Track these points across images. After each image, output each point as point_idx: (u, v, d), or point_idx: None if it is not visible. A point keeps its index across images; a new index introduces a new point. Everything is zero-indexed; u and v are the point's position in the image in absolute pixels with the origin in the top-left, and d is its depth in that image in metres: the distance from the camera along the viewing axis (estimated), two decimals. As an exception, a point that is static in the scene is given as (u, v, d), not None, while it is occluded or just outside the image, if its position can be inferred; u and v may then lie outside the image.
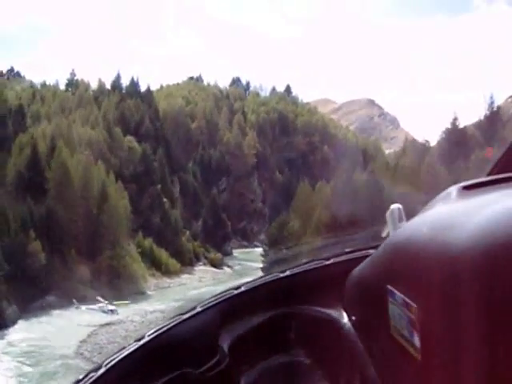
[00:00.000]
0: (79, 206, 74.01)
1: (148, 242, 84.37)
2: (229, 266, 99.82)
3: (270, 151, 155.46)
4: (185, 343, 1.63)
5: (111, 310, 61.22)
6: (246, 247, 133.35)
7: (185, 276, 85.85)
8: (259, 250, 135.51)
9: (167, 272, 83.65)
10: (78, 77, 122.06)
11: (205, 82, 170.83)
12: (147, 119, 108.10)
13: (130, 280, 73.82)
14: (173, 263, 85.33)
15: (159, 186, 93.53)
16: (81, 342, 51.68)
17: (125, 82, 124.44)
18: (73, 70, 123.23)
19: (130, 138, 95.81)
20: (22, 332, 53.35)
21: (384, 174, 66.42)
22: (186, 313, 1.70)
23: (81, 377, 1.47)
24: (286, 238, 65.44)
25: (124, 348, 1.58)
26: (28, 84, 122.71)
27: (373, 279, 1.30)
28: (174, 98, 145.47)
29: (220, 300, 1.74)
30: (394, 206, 1.61)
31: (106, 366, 1.48)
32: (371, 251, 1.58)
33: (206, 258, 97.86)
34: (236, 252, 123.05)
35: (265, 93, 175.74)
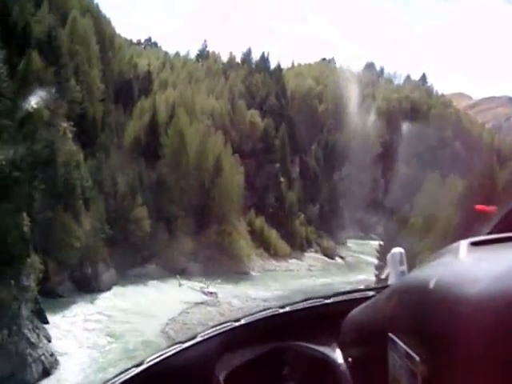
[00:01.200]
0: (191, 177, 69.76)
1: (259, 222, 78.98)
2: (341, 257, 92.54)
3: (397, 141, 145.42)
4: (183, 372, 1.62)
5: (211, 293, 56.18)
6: (361, 238, 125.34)
7: (293, 261, 79.74)
8: (375, 242, 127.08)
9: (275, 255, 77.95)
10: (210, 49, 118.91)
11: (337, 65, 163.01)
12: (273, 95, 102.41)
13: (234, 258, 68.85)
14: (282, 246, 79.48)
15: (278, 165, 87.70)
16: (170, 319, 47.09)
17: (255, 57, 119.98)
18: (205, 41, 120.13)
19: (253, 112, 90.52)
20: (114, 299, 49.70)
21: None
22: (186, 341, 1.67)
23: None
24: (406, 235, 57.14)
25: (123, 372, 1.55)
26: (161, 53, 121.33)
27: (373, 324, 1.27)
28: (303, 78, 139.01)
29: (220, 331, 1.71)
30: (396, 250, 1.69)
31: None
32: (370, 293, 1.68)
33: (318, 244, 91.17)
34: (350, 242, 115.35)
35: (398, 80, 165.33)
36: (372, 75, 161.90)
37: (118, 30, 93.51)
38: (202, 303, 53.71)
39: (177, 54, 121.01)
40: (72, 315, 44.80)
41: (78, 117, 62.67)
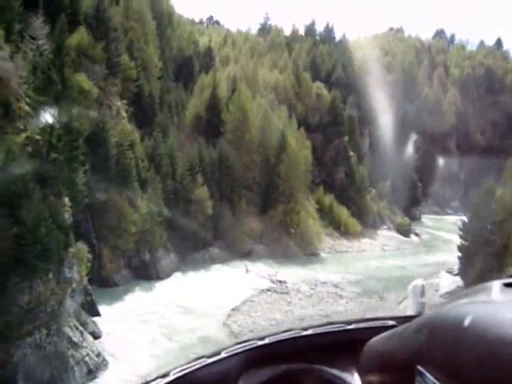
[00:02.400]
0: (255, 153, 64.18)
1: (328, 199, 72.65)
2: (416, 234, 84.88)
3: (472, 110, 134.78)
4: None
5: (280, 281, 50.36)
6: (436, 213, 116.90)
7: (365, 240, 73.06)
8: (451, 218, 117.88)
9: (346, 233, 71.53)
10: (272, 22, 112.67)
11: (405, 34, 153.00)
12: (339, 67, 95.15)
13: (303, 238, 62.97)
14: (354, 224, 72.92)
15: (346, 139, 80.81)
16: (232, 309, 41.78)
17: (319, 29, 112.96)
18: (266, 15, 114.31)
19: (318, 84, 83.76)
20: (173, 288, 44.89)
21: None
22: (212, 356, 1.69)
23: None
24: (492, 210, 49.49)
25: (148, 382, 1.56)
26: (223, 31, 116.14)
27: (399, 354, 1.26)
28: (370, 48, 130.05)
29: (244, 349, 1.73)
30: (418, 282, 1.76)
31: None
32: (390, 322, 1.70)
33: (391, 221, 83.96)
34: (425, 218, 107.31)
35: (471, 47, 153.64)
36: (443, 43, 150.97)
37: (179, 10, 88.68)
38: (268, 290, 48.22)
39: (238, 30, 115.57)
40: (127, 306, 40.25)
41: (134, 95, 58.29)
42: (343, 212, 72.44)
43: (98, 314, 37.51)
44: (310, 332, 1.80)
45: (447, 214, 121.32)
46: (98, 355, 30.52)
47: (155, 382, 1.56)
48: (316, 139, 76.58)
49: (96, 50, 48.43)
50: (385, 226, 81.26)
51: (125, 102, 54.59)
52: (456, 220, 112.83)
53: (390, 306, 43.18)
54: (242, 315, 40.61)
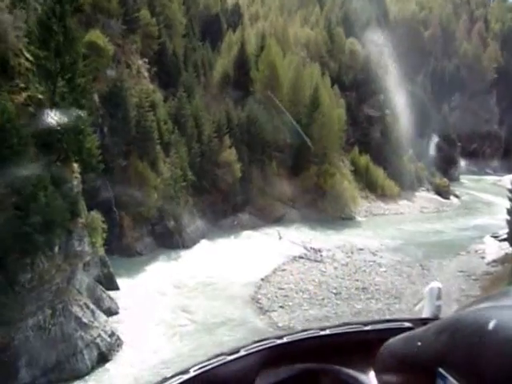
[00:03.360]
0: (285, 113, 59.45)
1: (364, 160, 67.68)
2: (456, 196, 79.45)
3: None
4: None
5: (314, 249, 45.57)
6: (474, 173, 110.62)
7: (403, 203, 68.13)
8: (491, 178, 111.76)
9: (383, 196, 66.70)
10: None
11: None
12: (374, 22, 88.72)
13: (338, 201, 58.49)
14: (390, 186, 67.98)
15: (382, 97, 75.19)
16: (262, 279, 37.66)
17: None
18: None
19: (352, 40, 77.82)
20: (200, 256, 41.07)
21: None
22: (230, 354, 1.69)
23: None
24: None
25: (168, 379, 1.57)
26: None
27: (419, 356, 1.25)
28: (406, 3, 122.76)
29: (262, 347, 1.73)
30: (434, 285, 1.74)
31: None
32: (407, 324, 1.70)
33: (429, 182, 78.63)
34: (463, 178, 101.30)
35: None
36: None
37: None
38: (300, 257, 44.11)
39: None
40: (150, 277, 36.68)
41: (156, 54, 53.98)
42: (380, 173, 67.50)
43: (117, 288, 34.07)
44: (327, 332, 1.78)
45: (486, 173, 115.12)
46: (112, 335, 26.94)
47: (174, 378, 1.55)
48: (350, 97, 71.31)
49: (112, 3, 44.04)
50: (423, 188, 76.09)
51: (146, 60, 50.39)
52: (496, 180, 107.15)
53: (433, 276, 38.73)
54: (273, 287, 36.48)
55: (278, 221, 53.66)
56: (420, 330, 1.33)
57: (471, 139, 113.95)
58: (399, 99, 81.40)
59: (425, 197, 72.81)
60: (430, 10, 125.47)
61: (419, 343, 1.25)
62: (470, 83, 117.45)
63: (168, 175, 43.26)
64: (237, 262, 40.39)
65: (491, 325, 0.91)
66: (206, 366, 1.62)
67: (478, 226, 60.26)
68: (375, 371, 1.58)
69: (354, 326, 1.83)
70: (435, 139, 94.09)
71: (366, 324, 1.83)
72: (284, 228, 51.35)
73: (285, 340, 1.76)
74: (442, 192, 76.58)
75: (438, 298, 1.72)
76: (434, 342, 1.13)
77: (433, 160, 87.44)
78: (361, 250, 47.65)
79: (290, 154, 58.97)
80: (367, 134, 71.52)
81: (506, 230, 45.78)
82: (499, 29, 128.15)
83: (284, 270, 40.99)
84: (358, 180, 64.59)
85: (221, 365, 1.64)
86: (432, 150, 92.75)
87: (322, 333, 1.80)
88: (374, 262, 44.62)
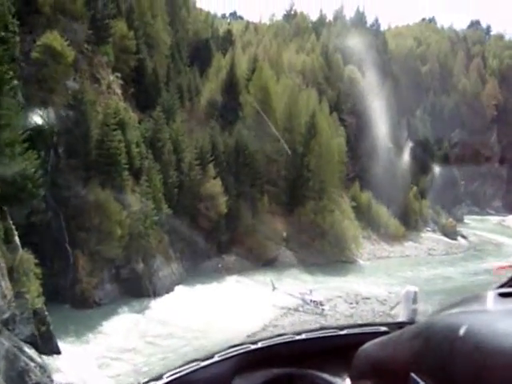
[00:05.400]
0: (279, 141, 51.83)
1: (365, 196, 59.75)
2: (463, 237, 71.44)
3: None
4: None
5: (315, 302, 36.41)
6: (476, 214, 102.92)
7: (409, 244, 60.02)
8: (494, 218, 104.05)
9: (387, 236, 58.62)
10: (297, 8, 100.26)
11: (438, 25, 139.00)
12: (373, 51, 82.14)
13: (338, 242, 50.32)
14: (395, 225, 59.99)
15: (384, 128, 67.77)
16: (248, 337, 29.17)
17: (348, 14, 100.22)
18: (291, 1, 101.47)
19: (351, 67, 70.97)
20: (168, 310, 32.30)
21: None
22: (205, 360, 1.64)
23: None
24: None
25: None
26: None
27: (392, 362, 1.23)
28: (403, 38, 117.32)
29: (236, 352, 1.69)
30: (411, 288, 1.75)
31: None
32: (383, 328, 1.67)
33: (434, 222, 70.74)
34: (467, 218, 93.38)
35: (510, 37, 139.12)
36: (479, 33, 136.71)
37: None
38: (296, 309, 35.65)
39: (261, 22, 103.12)
40: (107, 335, 28.20)
41: (134, 71, 46.56)
42: (383, 211, 59.57)
43: (57, 351, 25.46)
44: (302, 337, 1.74)
45: (488, 214, 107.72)
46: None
47: None
48: (349, 128, 63.83)
49: (76, 4, 36.47)
50: (428, 228, 68.13)
51: (118, 75, 42.77)
52: (500, 220, 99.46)
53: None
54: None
55: (270, 263, 45.38)
56: (395, 334, 1.29)
57: (472, 178, 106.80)
58: (401, 131, 74.31)
59: (431, 238, 64.80)
60: (427, 46, 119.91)
61: (393, 348, 1.24)
62: (470, 120, 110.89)
63: (137, 208, 35.02)
64: (219, 315, 31.96)
65: (462, 331, 0.89)
66: (179, 371, 1.55)
67: (491, 270, 52.29)
68: (350, 376, 1.53)
69: (329, 331, 1.76)
70: (437, 176, 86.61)
71: (341, 328, 1.76)
72: (277, 273, 42.96)
73: (259, 345, 1.70)
74: (449, 233, 68.68)
75: (414, 301, 1.67)
76: (408, 347, 1.12)
77: (437, 198, 79.74)
78: (367, 298, 39.40)
79: (284, 187, 51.02)
80: (368, 169, 63.74)
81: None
82: (497, 66, 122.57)
83: (276, 325, 32.49)
84: (359, 218, 56.47)
85: (195, 371, 1.57)
86: (434, 188, 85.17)
87: (298, 337, 1.73)
88: (384, 312, 36.35)
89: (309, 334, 1.77)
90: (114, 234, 32.96)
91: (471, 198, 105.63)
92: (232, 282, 40.25)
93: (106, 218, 32.85)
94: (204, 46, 66.18)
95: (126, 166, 35.58)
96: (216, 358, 1.63)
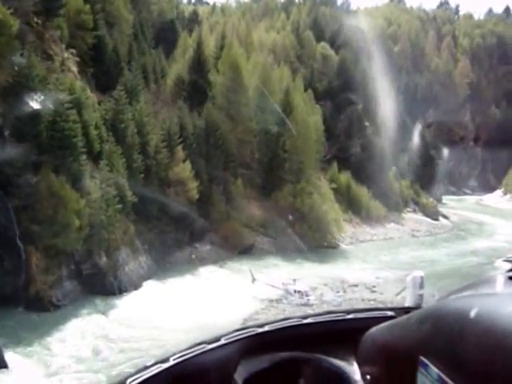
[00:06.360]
0: (252, 121, 48.14)
1: (344, 178, 56.49)
2: (445, 217, 68.90)
3: (485, 81, 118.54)
4: (204, 373, 1.58)
5: (300, 292, 32.72)
6: (453, 194, 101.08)
7: (391, 226, 57.03)
8: (471, 198, 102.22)
9: (368, 218, 55.52)
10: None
11: (407, 6, 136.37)
12: (345, 28, 78.68)
13: (318, 227, 46.94)
14: (376, 206, 56.91)
15: (360, 107, 64.62)
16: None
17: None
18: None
19: (324, 44, 67.43)
20: (136, 308, 28.64)
21: None
22: (211, 342, 1.61)
23: None
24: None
25: (148, 367, 1.49)
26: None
27: (401, 345, 1.23)
28: (374, 19, 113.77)
29: (243, 336, 1.66)
30: (417, 274, 1.73)
31: (130, 383, 1.43)
32: (389, 313, 1.65)
33: (415, 202, 68.00)
34: (444, 199, 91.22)
35: (479, 16, 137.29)
36: (448, 13, 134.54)
37: None
38: (279, 300, 32.20)
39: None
40: (59, 345, 24.23)
41: (93, 49, 42.28)
42: (363, 193, 56.38)
43: (4, 365, 21.49)
44: (309, 320, 1.73)
45: (465, 193, 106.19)
46: None
47: (154, 366, 1.47)
48: (325, 107, 60.36)
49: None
50: (409, 209, 65.31)
51: (74, 52, 38.47)
52: (478, 199, 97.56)
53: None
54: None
55: (247, 251, 41.83)
56: (402, 318, 1.28)
57: (448, 158, 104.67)
58: (377, 110, 71.21)
59: (413, 218, 61.99)
60: (398, 26, 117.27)
61: (401, 332, 1.22)
62: (444, 99, 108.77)
63: (97, 195, 31.00)
64: (194, 311, 28.35)
65: (472, 313, 0.89)
66: (186, 354, 1.53)
67: (481, 249, 49.85)
68: (357, 360, 1.52)
69: (336, 315, 1.75)
70: (414, 157, 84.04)
71: (348, 313, 1.74)
72: (255, 262, 39.37)
73: (266, 329, 1.68)
74: (430, 213, 66.07)
75: (421, 286, 1.66)
76: (416, 330, 1.11)
77: (415, 179, 77.08)
78: (355, 286, 36.15)
79: (259, 169, 47.37)
80: (346, 149, 60.54)
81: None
82: (468, 45, 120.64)
83: (257, 320, 28.80)
84: (339, 201, 53.18)
85: (201, 353, 1.55)
86: (411, 169, 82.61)
87: (304, 321, 1.72)
88: (375, 300, 33.16)
89: (315, 317, 1.73)
90: (72, 226, 28.91)
91: (447, 178, 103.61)
92: (207, 274, 36.54)
93: (62, 208, 28.78)
94: (169, 27, 62.13)
95: (84, 150, 31.46)
96: (222, 341, 1.60)
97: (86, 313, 28.14)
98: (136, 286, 32.16)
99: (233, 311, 29.02)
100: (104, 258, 31.11)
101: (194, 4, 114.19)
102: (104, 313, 28.63)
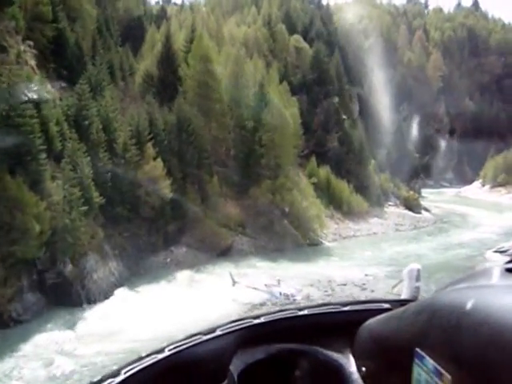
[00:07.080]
0: (225, 116, 45.53)
1: (323, 172, 54.19)
2: (426, 210, 67.20)
3: (458, 74, 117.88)
4: (200, 364, 1.56)
5: (286, 295, 30.38)
6: (431, 187, 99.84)
7: (374, 220, 54.87)
8: (450, 190, 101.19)
9: (350, 213, 53.24)
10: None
11: (377, 1, 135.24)
12: (318, 21, 76.69)
13: (300, 224, 44.55)
14: (357, 201, 54.72)
15: (336, 100, 62.44)
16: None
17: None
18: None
19: (297, 37, 65.16)
20: (106, 321, 25.80)
21: None
22: (207, 333, 1.59)
23: (95, 380, 1.38)
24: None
25: (143, 358, 1.49)
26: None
27: (397, 337, 1.23)
28: (344, 13, 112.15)
29: (239, 327, 1.64)
30: (414, 266, 1.69)
31: (125, 373, 1.42)
32: (385, 305, 1.63)
33: (396, 196, 66.13)
34: (423, 192, 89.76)
35: (448, 9, 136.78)
36: (418, 7, 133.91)
37: None
38: (263, 304, 29.65)
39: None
40: (25, 365, 21.32)
41: (53, 43, 39.30)
42: (344, 187, 54.12)
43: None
44: (305, 312, 1.70)
45: (442, 186, 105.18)
46: None
47: (150, 357, 1.46)
48: (300, 101, 57.98)
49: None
50: (390, 202, 63.34)
51: (31, 43, 35.45)
52: (457, 192, 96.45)
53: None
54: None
55: (226, 253, 39.13)
56: (398, 310, 1.27)
57: (424, 151, 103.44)
58: (353, 104, 69.22)
59: (395, 212, 59.99)
60: (369, 21, 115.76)
61: (397, 324, 1.22)
62: (418, 93, 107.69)
63: (59, 197, 28.02)
64: (170, 321, 25.52)
65: (469, 305, 0.89)
66: (181, 345, 1.52)
67: (468, 241, 48.12)
68: (353, 352, 1.51)
69: (332, 307, 1.73)
70: (392, 150, 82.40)
71: (344, 305, 1.72)
72: (235, 263, 36.77)
73: (262, 320, 1.65)
74: (412, 206, 64.19)
75: (417, 279, 1.64)
76: (412, 322, 1.10)
77: (394, 172, 75.35)
78: (343, 285, 33.69)
79: (235, 166, 44.75)
80: (323, 143, 58.28)
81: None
82: (439, 38, 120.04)
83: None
84: (319, 196, 50.81)
85: (196, 344, 1.53)
86: (390, 162, 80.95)
87: (300, 313, 1.69)
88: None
89: (311, 309, 1.71)
90: (32, 231, 25.93)
91: (424, 171, 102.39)
92: (184, 279, 33.74)
93: (19, 212, 25.77)
94: (136, 25, 59.69)
95: (43, 148, 28.49)
96: (218, 332, 1.57)
97: (51, 328, 25.15)
98: (106, 295, 29.22)
99: (212, 318, 26.24)
100: (69, 266, 28.12)
101: (162, 5, 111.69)
102: (71, 327, 25.66)
